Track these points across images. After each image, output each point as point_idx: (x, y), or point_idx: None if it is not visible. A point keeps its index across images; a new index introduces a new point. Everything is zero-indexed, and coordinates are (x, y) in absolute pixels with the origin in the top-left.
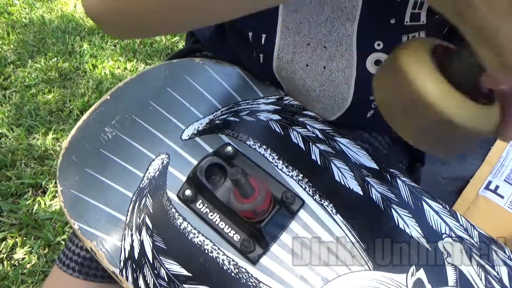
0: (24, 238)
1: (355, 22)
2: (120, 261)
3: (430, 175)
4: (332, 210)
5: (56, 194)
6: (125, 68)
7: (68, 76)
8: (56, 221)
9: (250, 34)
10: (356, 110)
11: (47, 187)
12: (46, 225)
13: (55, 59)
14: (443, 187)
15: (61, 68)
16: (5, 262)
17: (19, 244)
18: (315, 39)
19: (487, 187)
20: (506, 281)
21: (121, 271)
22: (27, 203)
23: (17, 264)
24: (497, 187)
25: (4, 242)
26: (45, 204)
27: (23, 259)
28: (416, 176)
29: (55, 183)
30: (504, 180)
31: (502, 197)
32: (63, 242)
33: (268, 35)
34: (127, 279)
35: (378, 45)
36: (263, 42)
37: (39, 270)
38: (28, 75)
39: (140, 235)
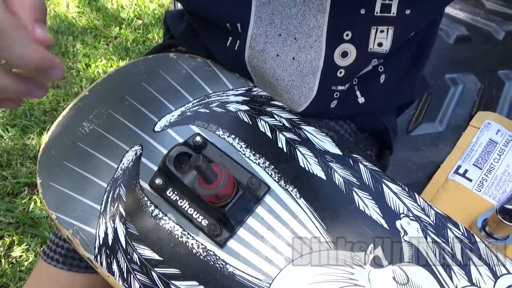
0: (21, 236)
1: (326, 13)
2: (95, 247)
3: (402, 162)
4: (296, 195)
5: None
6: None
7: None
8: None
9: (227, 23)
10: (320, 101)
11: None
12: (43, 223)
13: None
14: (414, 172)
15: None
16: (2, 260)
17: (16, 242)
18: (286, 30)
19: (456, 171)
20: (459, 256)
21: (95, 257)
22: (23, 202)
23: (14, 262)
24: (466, 171)
25: (1, 241)
26: (41, 202)
27: (20, 256)
28: (384, 163)
29: None
30: (473, 164)
31: (470, 180)
32: None
33: (243, 25)
34: (101, 264)
35: (347, 35)
36: (239, 30)
37: None
38: None
39: (114, 223)
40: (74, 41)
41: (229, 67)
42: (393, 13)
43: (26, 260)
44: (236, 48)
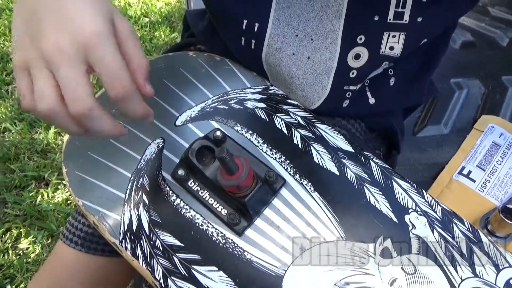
0: (28, 229)
1: (342, 18)
2: (120, 233)
3: (408, 162)
4: (310, 188)
5: (59, 187)
6: None
7: None
8: (59, 212)
9: (245, 22)
10: (333, 99)
11: (50, 179)
12: (49, 216)
13: None
14: (419, 172)
15: None
16: (10, 252)
17: (23, 234)
18: (304, 31)
19: (460, 172)
20: (464, 249)
21: (120, 242)
22: (30, 194)
23: (21, 254)
24: (469, 172)
25: (9, 233)
26: (48, 196)
27: (27, 248)
28: (392, 163)
29: (58, 175)
30: (476, 165)
31: (474, 181)
32: None
33: (261, 25)
34: (126, 249)
35: (360, 39)
36: (255, 29)
37: (43, 259)
38: None
39: (137, 210)
40: None
41: (246, 64)
42: (405, 20)
43: (33, 252)
44: (252, 47)
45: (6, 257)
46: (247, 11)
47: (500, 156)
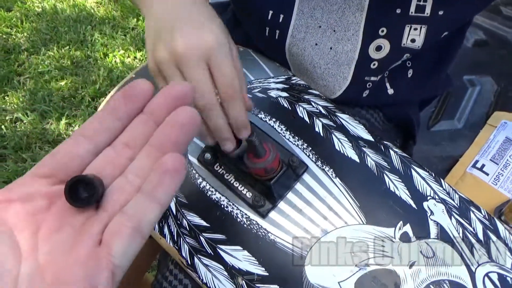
0: None
1: (364, 11)
2: None
3: (423, 154)
4: (332, 174)
5: None
6: (135, 57)
7: (80, 64)
8: None
9: (270, 12)
10: (353, 89)
11: None
12: None
13: (67, 47)
14: (434, 165)
15: (73, 56)
16: None
17: None
18: (327, 23)
19: (474, 165)
20: (480, 235)
21: None
22: None
23: None
24: (483, 165)
25: None
26: None
27: None
28: (408, 153)
29: None
30: (489, 159)
31: (487, 174)
32: None
33: (286, 16)
34: (154, 227)
35: (382, 31)
36: (280, 20)
37: None
38: (42, 62)
39: None
40: (92, 30)
41: (269, 54)
42: (427, 13)
43: None
44: (276, 37)
45: None
46: (272, 3)
47: None
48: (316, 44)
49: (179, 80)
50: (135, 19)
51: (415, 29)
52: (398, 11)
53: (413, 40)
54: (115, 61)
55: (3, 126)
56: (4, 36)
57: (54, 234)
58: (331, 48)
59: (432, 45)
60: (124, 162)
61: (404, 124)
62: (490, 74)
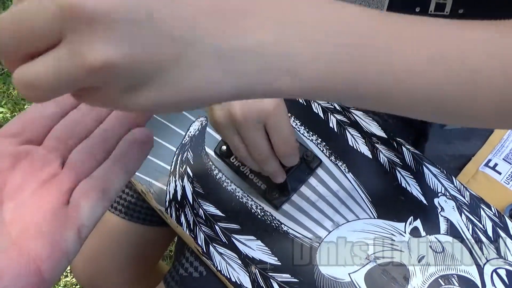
0: None
1: (384, 9)
2: (166, 201)
3: (435, 152)
4: (345, 169)
5: None
6: None
7: None
8: None
9: None
10: None
11: None
12: None
13: None
14: (446, 163)
15: None
16: None
17: None
18: None
19: (486, 164)
20: (490, 232)
21: (166, 209)
22: None
23: None
24: (496, 164)
25: None
26: None
27: None
28: (421, 151)
29: None
30: (503, 159)
31: (499, 173)
32: None
33: None
34: (171, 216)
35: None
36: None
37: None
38: None
39: (182, 181)
40: None
41: None
42: (446, 12)
43: None
44: None
45: None
46: None
47: None
48: None
49: (237, 142)
50: None
51: None
52: (417, 9)
53: None
54: None
55: None
56: None
57: (19, 191)
58: None
59: None
60: (91, 124)
61: (416, 122)
62: None
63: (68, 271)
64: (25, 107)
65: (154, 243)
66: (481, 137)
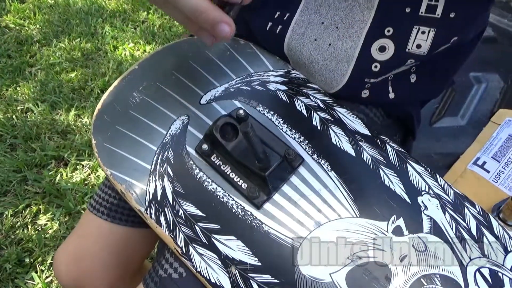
0: (47, 206)
1: (373, 10)
2: (145, 201)
3: (423, 151)
4: (327, 168)
5: (77, 167)
6: (145, 51)
7: (90, 56)
8: (77, 191)
9: (278, 13)
10: (351, 88)
11: (69, 159)
12: (67, 195)
13: (78, 39)
14: (435, 161)
15: (84, 48)
16: (29, 227)
17: (42, 211)
18: (330, 20)
19: (475, 163)
20: (474, 231)
21: (145, 210)
22: (50, 173)
23: (40, 229)
24: (484, 162)
25: (28, 208)
26: (66, 175)
27: (45, 225)
28: (407, 149)
29: (77, 156)
30: (491, 157)
31: (488, 171)
32: (83, 212)
33: (291, 13)
34: (150, 216)
35: (388, 31)
36: (285, 18)
37: (60, 236)
38: (53, 54)
39: (162, 181)
40: (103, 23)
41: (267, 48)
42: (438, 15)
43: (50, 228)
44: (277, 32)
45: (25, 231)
46: (283, 3)
47: None
48: (315, 40)
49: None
50: (146, 13)
51: (423, 32)
52: (408, 10)
53: (418, 46)
54: (125, 54)
55: (14, 116)
56: (17, 28)
57: None
58: (330, 44)
59: (438, 53)
60: None
61: (404, 120)
62: (497, 72)
63: None
64: (18, 108)
65: (138, 243)
66: (469, 136)
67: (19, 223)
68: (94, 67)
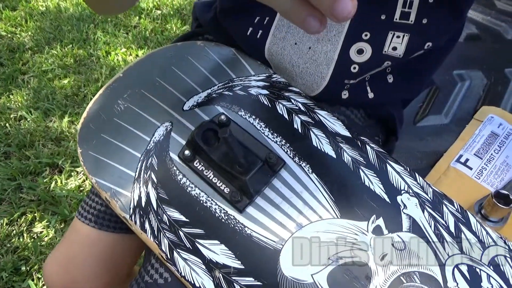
0: (42, 213)
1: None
2: (130, 208)
3: (407, 150)
4: (308, 170)
5: (72, 174)
6: (137, 55)
7: (82, 62)
8: (72, 198)
9: (257, 18)
10: (332, 90)
11: (63, 166)
12: (63, 202)
13: (70, 45)
14: (418, 160)
15: (76, 55)
16: (25, 235)
17: (37, 218)
18: None
19: (458, 160)
20: (452, 228)
21: (130, 216)
22: (45, 181)
23: (36, 237)
24: (467, 160)
25: (24, 217)
26: (61, 182)
27: (41, 232)
28: (390, 149)
29: (71, 162)
30: (474, 154)
31: (470, 168)
32: None
33: (271, 18)
34: (135, 223)
35: (366, 35)
36: (265, 22)
37: (56, 243)
38: (45, 61)
39: (146, 188)
40: (95, 29)
41: (248, 53)
42: (411, 21)
43: (46, 236)
44: (258, 37)
45: (21, 239)
46: (261, 6)
47: (498, 145)
48: (295, 44)
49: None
50: (137, 17)
51: (398, 36)
52: (383, 17)
53: (394, 48)
54: (117, 59)
55: (7, 124)
56: (9, 35)
57: None
58: (310, 48)
59: (415, 56)
60: None
61: (386, 121)
62: (481, 69)
63: None
64: (11, 116)
65: (126, 250)
66: (453, 134)
67: (14, 231)
68: (87, 73)
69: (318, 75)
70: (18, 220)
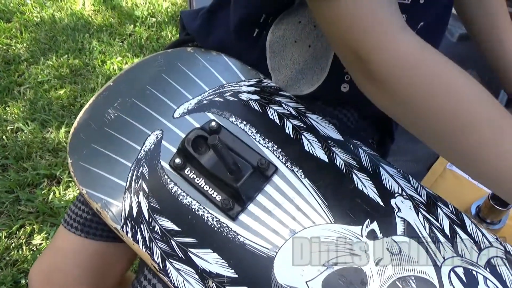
0: (41, 225)
1: None
2: (121, 219)
3: (403, 154)
4: (301, 175)
5: (70, 184)
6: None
7: (78, 72)
8: None
9: (264, 16)
10: (332, 82)
11: (61, 177)
12: (61, 213)
13: (66, 56)
14: (414, 163)
15: (72, 65)
16: (24, 247)
17: (36, 230)
18: (307, 18)
19: None
20: (447, 230)
21: (122, 227)
22: (43, 192)
23: (35, 249)
24: None
25: (22, 229)
26: (59, 193)
27: (40, 244)
28: (386, 150)
29: (69, 173)
30: None
31: None
32: None
33: (274, 17)
34: (127, 233)
35: None
36: (269, 21)
37: None
38: (41, 72)
39: (138, 197)
40: (90, 38)
41: (249, 55)
42: (408, 1)
43: (46, 248)
44: (261, 37)
45: (20, 252)
46: (268, 5)
47: None
48: (295, 42)
49: None
50: (132, 26)
51: None
52: None
53: None
54: (113, 68)
55: (4, 137)
56: (4, 47)
57: None
58: (309, 46)
59: None
60: None
61: (381, 121)
62: (474, 68)
63: None
64: (8, 128)
65: (114, 258)
66: None
67: (13, 244)
68: (83, 83)
69: (318, 68)
70: (17, 232)
